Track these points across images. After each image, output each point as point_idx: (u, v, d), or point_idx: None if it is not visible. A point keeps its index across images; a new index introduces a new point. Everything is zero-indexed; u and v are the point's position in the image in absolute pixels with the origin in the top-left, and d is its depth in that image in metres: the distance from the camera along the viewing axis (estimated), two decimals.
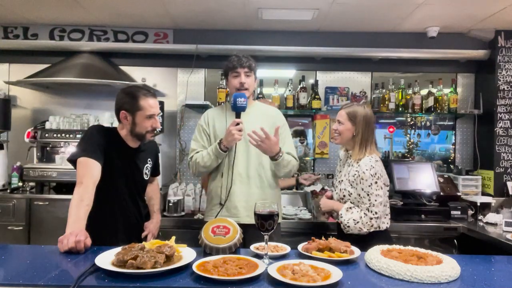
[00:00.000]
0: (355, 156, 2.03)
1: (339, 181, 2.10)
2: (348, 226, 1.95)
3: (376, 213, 1.93)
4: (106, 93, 3.63)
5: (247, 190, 2.13)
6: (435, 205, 3.00)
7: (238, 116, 2.03)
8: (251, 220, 1.92)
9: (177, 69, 3.77)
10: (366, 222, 1.93)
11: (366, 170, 1.94)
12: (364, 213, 1.94)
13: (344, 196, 2.04)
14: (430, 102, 3.57)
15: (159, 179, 2.47)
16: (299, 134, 3.81)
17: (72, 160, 1.83)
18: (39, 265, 1.33)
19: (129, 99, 1.89)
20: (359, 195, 1.96)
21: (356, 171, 1.98)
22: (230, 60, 2.18)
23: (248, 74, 2.15)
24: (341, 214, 1.99)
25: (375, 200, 1.93)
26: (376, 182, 1.94)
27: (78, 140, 1.92)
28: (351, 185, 2.00)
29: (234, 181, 2.13)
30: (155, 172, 2.23)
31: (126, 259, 1.24)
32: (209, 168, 2.17)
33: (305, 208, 3.23)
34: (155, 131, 1.99)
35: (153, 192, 2.26)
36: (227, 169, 2.15)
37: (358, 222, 1.93)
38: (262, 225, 1.42)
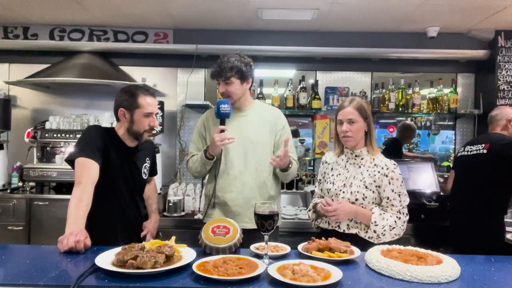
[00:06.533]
0: (367, 154, 1.85)
1: (343, 184, 1.83)
2: (384, 235, 1.71)
3: (407, 214, 1.77)
4: (106, 93, 3.62)
5: (245, 195, 2.07)
6: (435, 205, 3.00)
7: (222, 122, 1.99)
8: (248, 225, 1.92)
9: (177, 69, 3.77)
10: (401, 226, 1.74)
11: (395, 169, 1.78)
12: (397, 217, 1.74)
13: (356, 200, 1.78)
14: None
15: (158, 179, 2.46)
16: (295, 134, 3.80)
17: (70, 161, 1.83)
18: (39, 265, 1.33)
19: (127, 97, 1.90)
20: (388, 198, 1.76)
21: (378, 172, 1.79)
22: (214, 66, 2.11)
23: (228, 82, 2.06)
24: (375, 221, 1.72)
25: (404, 201, 1.78)
26: (403, 182, 1.79)
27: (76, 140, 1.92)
28: (366, 187, 1.78)
29: (231, 185, 2.08)
30: (152, 172, 2.23)
31: (126, 259, 1.24)
32: (201, 173, 2.15)
33: (305, 208, 3.23)
34: (153, 130, 2.00)
35: (150, 192, 2.26)
36: (224, 173, 2.09)
37: (394, 228, 1.72)
38: (262, 225, 1.41)
